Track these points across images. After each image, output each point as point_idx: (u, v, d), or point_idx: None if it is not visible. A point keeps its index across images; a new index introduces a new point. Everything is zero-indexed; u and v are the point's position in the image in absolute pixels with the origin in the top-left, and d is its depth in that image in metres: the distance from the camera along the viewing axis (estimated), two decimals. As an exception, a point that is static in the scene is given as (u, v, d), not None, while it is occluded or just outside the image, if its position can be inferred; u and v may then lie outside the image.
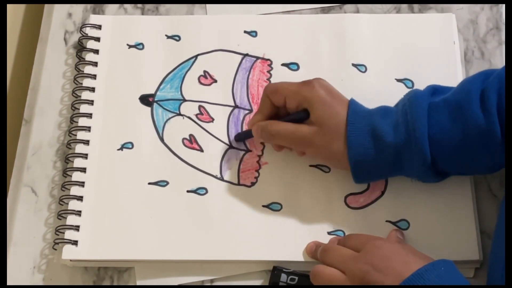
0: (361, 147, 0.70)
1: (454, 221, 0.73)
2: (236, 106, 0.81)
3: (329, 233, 0.74)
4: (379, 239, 0.69)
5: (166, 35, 0.85)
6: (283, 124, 0.73)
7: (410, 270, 0.62)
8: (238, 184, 0.76)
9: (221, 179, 0.77)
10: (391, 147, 0.69)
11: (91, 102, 0.80)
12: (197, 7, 0.88)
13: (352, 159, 0.70)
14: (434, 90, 0.71)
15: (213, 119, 0.80)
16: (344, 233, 0.74)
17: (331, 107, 0.71)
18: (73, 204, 0.75)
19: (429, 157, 0.68)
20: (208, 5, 0.88)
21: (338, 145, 0.71)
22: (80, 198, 0.75)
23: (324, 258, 0.69)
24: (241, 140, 0.78)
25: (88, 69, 0.82)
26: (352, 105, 0.72)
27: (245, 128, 0.79)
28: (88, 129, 0.79)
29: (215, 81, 0.82)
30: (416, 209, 0.74)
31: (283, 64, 0.83)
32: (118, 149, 0.78)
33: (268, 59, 0.83)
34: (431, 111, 0.69)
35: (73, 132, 0.79)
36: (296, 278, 0.71)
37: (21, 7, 0.92)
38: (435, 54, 0.82)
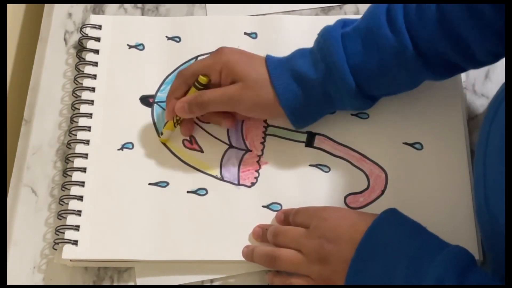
0: (290, 93, 0.73)
1: (454, 221, 0.73)
2: (236, 106, 0.81)
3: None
4: (324, 210, 0.70)
5: (166, 36, 0.85)
6: (210, 91, 0.75)
7: (360, 232, 0.64)
8: (238, 184, 0.76)
9: (221, 179, 0.77)
10: (316, 84, 0.72)
11: (91, 102, 0.80)
12: (197, 7, 0.88)
13: (285, 107, 0.73)
14: (344, 23, 0.74)
15: (213, 119, 0.80)
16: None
17: (249, 63, 0.74)
18: (73, 204, 0.75)
19: (354, 85, 0.71)
20: (208, 5, 0.88)
21: (267, 93, 0.73)
22: (80, 198, 0.75)
23: (276, 241, 0.71)
24: None
25: (88, 69, 0.82)
26: (269, 58, 0.75)
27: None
28: (88, 129, 0.79)
29: (215, 80, 0.82)
30: (416, 209, 0.74)
31: (283, 64, 0.83)
32: (118, 149, 0.78)
33: (268, 59, 0.83)
34: (344, 41, 0.72)
35: (73, 132, 0.79)
36: None
37: (21, 7, 0.92)
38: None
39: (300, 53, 0.74)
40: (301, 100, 0.73)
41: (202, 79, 0.74)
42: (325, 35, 0.72)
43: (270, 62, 0.74)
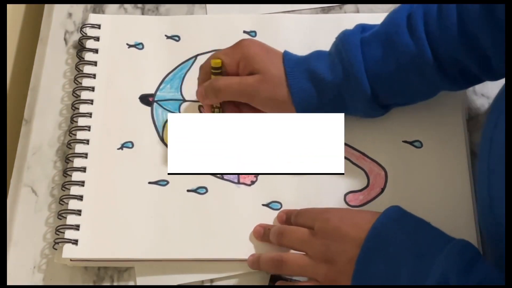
0: (304, 92, 0.73)
1: (453, 219, 0.73)
2: (235, 104, 0.81)
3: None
4: (326, 212, 0.70)
5: (165, 35, 0.85)
6: (227, 78, 0.75)
7: (364, 230, 0.64)
8: (238, 182, 0.76)
9: (221, 177, 0.77)
10: (331, 87, 0.72)
11: (90, 102, 0.80)
12: (197, 7, 0.88)
13: (297, 106, 0.73)
14: (363, 28, 0.74)
15: (212, 118, 0.80)
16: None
17: (268, 57, 0.74)
18: (73, 204, 0.75)
19: (369, 91, 0.71)
20: (208, 5, 0.88)
21: (282, 92, 0.73)
22: (80, 198, 0.75)
23: (281, 241, 0.71)
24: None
25: (87, 69, 0.82)
26: (287, 55, 0.75)
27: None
28: (88, 128, 0.79)
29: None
30: (416, 207, 0.73)
31: (282, 63, 0.83)
32: (118, 148, 0.78)
33: (268, 59, 0.83)
34: (363, 46, 0.71)
35: (73, 132, 0.79)
36: None
37: (21, 7, 0.92)
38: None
39: (318, 55, 0.74)
40: (314, 101, 0.73)
41: (214, 62, 0.75)
42: (344, 39, 0.72)
43: (287, 59, 0.74)
